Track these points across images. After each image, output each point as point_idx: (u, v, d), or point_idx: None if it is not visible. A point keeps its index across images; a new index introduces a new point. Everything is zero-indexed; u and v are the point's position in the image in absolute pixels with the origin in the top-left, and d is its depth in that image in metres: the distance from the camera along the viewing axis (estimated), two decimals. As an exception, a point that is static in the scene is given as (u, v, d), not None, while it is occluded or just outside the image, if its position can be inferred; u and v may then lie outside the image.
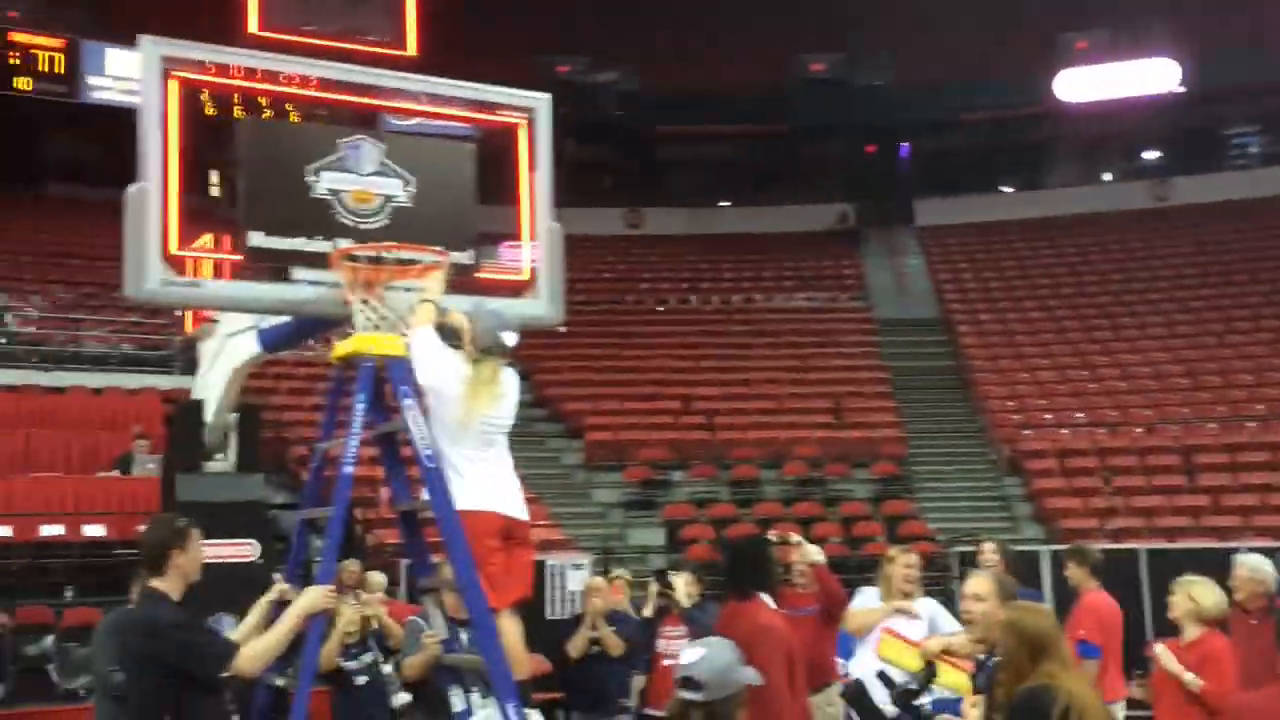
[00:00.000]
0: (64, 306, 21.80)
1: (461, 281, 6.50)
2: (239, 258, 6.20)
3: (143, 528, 5.13)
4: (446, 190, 6.60)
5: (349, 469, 5.35)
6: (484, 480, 5.48)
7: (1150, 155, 33.01)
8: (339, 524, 5.33)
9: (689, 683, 3.66)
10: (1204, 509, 17.99)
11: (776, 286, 27.98)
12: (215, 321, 8.44)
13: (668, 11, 29.39)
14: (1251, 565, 7.59)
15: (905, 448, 21.27)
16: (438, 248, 6.07)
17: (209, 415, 8.40)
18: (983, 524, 18.77)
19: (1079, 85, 30.33)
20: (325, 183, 6.29)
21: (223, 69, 6.22)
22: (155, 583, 4.97)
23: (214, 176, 5.95)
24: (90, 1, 26.55)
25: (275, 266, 6.25)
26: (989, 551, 8.23)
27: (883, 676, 6.97)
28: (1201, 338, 24.33)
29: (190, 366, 20.76)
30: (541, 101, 6.87)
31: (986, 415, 22.44)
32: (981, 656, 5.70)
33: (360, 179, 6.38)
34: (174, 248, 6.02)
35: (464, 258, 6.54)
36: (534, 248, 6.90)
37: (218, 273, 6.24)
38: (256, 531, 8.73)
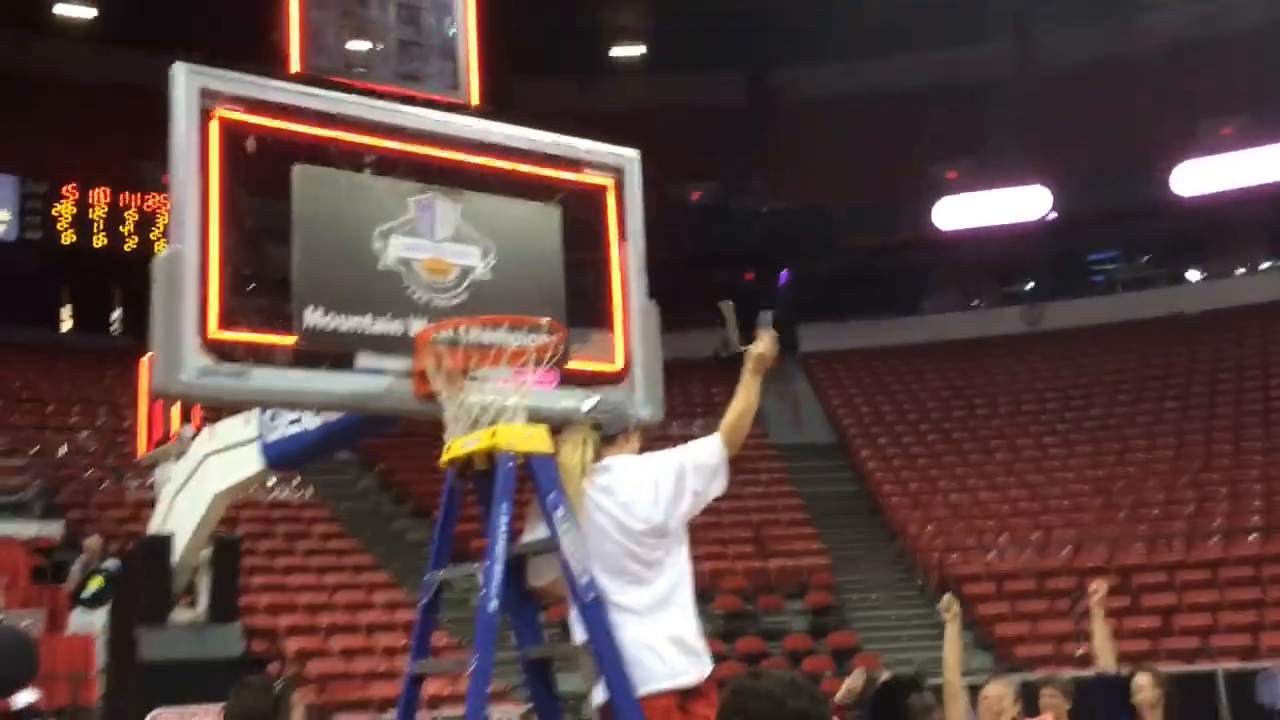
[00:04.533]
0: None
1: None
2: (291, 341, 4.89)
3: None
4: (531, 261, 5.43)
5: (493, 604, 4.03)
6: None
7: (1022, 280, 33.53)
8: (485, 676, 3.99)
9: None
10: (1158, 630, 17.40)
11: (668, 413, 26.93)
12: (188, 438, 6.97)
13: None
14: None
15: (833, 575, 20.31)
16: (545, 320, 4.91)
17: (177, 553, 6.88)
18: (925, 653, 17.82)
19: (952, 214, 30.71)
20: (394, 249, 5.08)
21: (273, 114, 4.99)
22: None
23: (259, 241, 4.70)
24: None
25: (335, 352, 4.98)
26: (1049, 695, 6.96)
27: None
28: (1102, 456, 24.18)
29: (50, 510, 18.77)
30: (631, 159, 5.80)
31: (905, 540, 21.70)
32: None
33: (434, 245, 5.18)
34: (215, 329, 4.70)
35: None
36: (625, 333, 5.78)
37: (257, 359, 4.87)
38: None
